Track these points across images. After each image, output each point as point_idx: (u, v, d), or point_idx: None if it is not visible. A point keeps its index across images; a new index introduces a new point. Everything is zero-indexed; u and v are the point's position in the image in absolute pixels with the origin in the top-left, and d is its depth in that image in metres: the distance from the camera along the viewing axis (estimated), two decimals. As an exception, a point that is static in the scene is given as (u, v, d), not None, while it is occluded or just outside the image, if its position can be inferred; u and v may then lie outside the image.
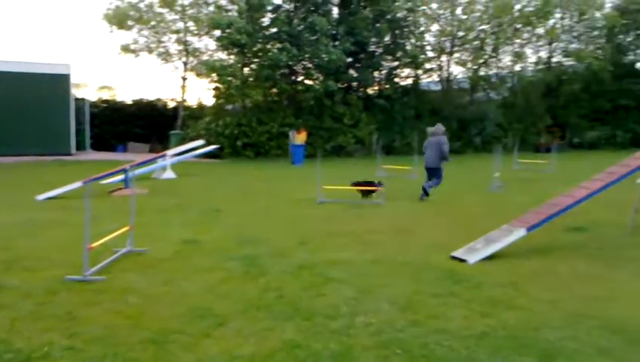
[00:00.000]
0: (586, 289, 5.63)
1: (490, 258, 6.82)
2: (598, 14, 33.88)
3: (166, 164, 17.88)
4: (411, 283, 5.91)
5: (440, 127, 12.30)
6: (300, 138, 24.25)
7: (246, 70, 27.85)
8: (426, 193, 11.97)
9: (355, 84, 29.08)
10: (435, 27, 31.72)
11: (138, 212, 7.93)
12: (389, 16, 28.15)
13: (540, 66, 35.64)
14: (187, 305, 5.12)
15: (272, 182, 16.52)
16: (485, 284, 5.82)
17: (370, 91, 30.11)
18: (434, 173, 12.14)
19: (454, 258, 6.89)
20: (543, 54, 35.23)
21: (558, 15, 33.96)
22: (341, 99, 27.64)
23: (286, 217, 10.02)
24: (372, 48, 29.21)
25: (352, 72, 28.55)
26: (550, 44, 34.89)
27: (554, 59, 35.45)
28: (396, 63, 29.62)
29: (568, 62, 35.10)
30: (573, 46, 35.01)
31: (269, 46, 26.65)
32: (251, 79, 27.85)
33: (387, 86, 29.27)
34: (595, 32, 35.57)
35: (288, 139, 25.43)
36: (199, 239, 7.93)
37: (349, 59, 28.02)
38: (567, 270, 6.39)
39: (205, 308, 5.03)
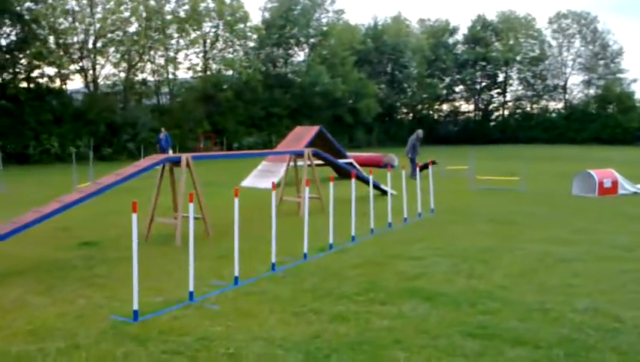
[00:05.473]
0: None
1: None
2: (245, 26, 36.10)
3: None
4: None
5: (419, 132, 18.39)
6: None
7: None
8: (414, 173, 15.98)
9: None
10: (78, 25, 29.26)
11: None
12: (17, 8, 24.77)
13: (199, 73, 36.39)
14: None
15: None
16: None
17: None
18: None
19: None
20: (199, 61, 36.04)
21: (210, 23, 35.13)
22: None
23: None
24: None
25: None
26: (205, 51, 35.89)
27: (210, 67, 36.59)
28: (28, 61, 26.27)
29: (223, 70, 36.64)
30: (228, 55, 36.70)
31: None
32: None
33: (12, 85, 25.67)
34: (248, 43, 38.01)
35: None
36: None
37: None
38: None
39: None
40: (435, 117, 57.93)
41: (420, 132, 18.32)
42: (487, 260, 6.84)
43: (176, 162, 8.18)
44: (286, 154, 11.08)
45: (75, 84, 31.39)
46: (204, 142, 33.90)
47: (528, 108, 57.16)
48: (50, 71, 27.95)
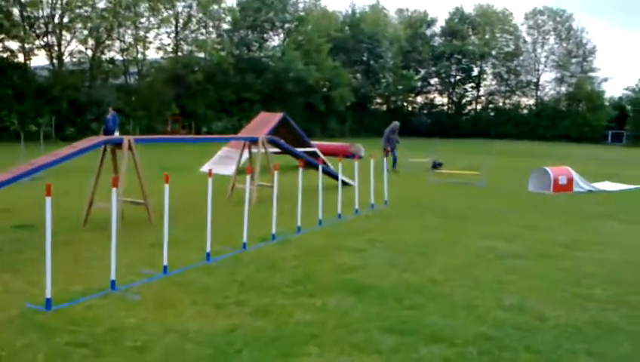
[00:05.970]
0: None
1: None
2: (219, 7, 35.46)
3: None
4: None
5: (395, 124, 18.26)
6: None
7: None
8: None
9: None
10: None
11: None
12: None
13: (170, 54, 35.66)
14: None
15: None
16: None
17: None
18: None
19: None
20: (170, 41, 35.34)
21: (183, 3, 34.39)
22: None
23: None
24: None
25: None
26: (177, 31, 35.19)
27: (181, 47, 35.90)
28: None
29: (195, 51, 35.99)
30: (200, 36, 36.05)
31: None
32: None
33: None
34: (221, 25, 37.38)
35: None
36: None
37: None
38: None
39: None
40: (410, 108, 58.10)
41: (396, 124, 18.29)
42: (427, 253, 6.80)
43: (118, 144, 7.93)
44: (240, 140, 10.89)
45: (40, 60, 30.43)
46: (171, 126, 33.34)
47: (500, 104, 57.74)
48: (13, 45, 27.08)
